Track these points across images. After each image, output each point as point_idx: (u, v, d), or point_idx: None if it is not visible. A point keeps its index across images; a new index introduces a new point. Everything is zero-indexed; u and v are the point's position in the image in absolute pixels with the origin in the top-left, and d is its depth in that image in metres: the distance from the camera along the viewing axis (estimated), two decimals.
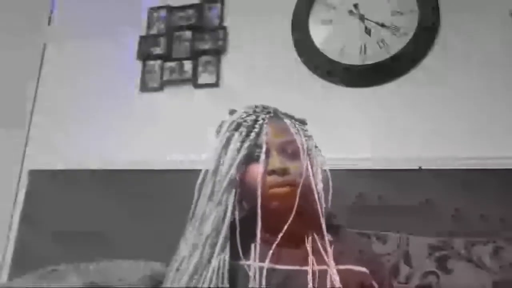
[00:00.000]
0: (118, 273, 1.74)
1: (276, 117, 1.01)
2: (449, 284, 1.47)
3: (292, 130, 0.99)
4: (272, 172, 0.93)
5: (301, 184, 0.93)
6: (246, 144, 0.94)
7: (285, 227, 0.90)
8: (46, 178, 2.06)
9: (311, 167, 0.97)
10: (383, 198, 1.60)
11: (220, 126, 1.03)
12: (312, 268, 0.90)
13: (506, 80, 1.63)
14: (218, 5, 2.06)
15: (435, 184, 1.58)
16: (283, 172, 0.93)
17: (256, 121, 0.97)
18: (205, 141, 1.87)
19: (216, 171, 0.96)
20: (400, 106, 1.72)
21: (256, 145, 0.95)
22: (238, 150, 0.94)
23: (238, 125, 0.98)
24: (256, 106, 1.02)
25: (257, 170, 0.93)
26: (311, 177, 0.95)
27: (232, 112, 1.04)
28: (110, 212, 1.88)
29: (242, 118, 0.99)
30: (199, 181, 0.98)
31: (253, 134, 0.95)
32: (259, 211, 0.90)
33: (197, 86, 2.00)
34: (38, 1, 2.31)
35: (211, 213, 0.92)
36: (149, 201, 1.85)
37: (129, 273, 1.66)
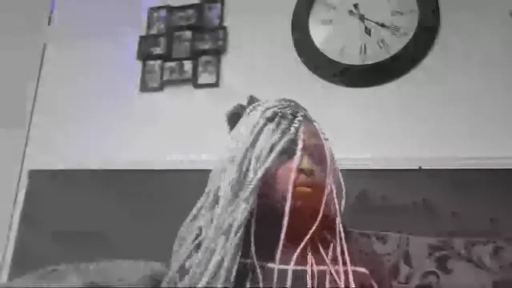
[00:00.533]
0: (118, 273, 1.74)
1: (307, 117, 1.00)
2: (449, 284, 1.47)
3: (321, 135, 0.98)
4: (301, 170, 0.92)
5: (326, 190, 0.92)
6: (285, 138, 0.92)
7: (312, 229, 0.89)
8: (46, 178, 2.06)
9: (333, 175, 0.96)
10: (383, 198, 1.60)
11: (234, 110, 1.00)
12: (312, 268, 0.89)
13: (506, 80, 1.63)
14: (218, 5, 2.06)
15: (435, 184, 1.58)
16: (310, 173, 0.92)
17: (294, 116, 0.95)
18: (205, 141, 1.88)
19: (243, 161, 0.90)
20: (400, 106, 1.72)
21: (292, 141, 0.93)
22: (276, 143, 0.91)
23: (274, 115, 0.95)
24: (289, 100, 0.99)
25: (288, 166, 0.91)
26: (332, 184, 0.95)
27: (252, 99, 1.02)
28: (110, 212, 1.88)
29: (279, 108, 0.96)
30: (218, 168, 0.94)
31: (293, 129, 0.93)
32: (287, 209, 0.88)
33: (197, 86, 2.00)
34: (38, 1, 2.31)
35: (237, 208, 0.87)
36: (149, 201, 1.85)
37: (129, 273, 1.66)
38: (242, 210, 0.87)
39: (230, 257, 0.85)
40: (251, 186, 0.88)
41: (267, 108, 0.96)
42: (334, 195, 0.95)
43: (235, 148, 0.93)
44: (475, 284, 1.44)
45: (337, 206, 0.94)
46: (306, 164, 0.92)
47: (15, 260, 2.00)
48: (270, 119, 0.94)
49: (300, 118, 0.95)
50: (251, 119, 0.96)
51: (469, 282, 1.45)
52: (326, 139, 0.99)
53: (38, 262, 1.88)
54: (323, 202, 0.92)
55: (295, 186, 0.90)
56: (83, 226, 1.89)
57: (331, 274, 0.89)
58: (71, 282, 1.64)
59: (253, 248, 0.87)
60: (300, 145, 0.92)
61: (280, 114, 0.95)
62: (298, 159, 0.91)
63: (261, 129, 0.93)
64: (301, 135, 0.93)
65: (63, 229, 1.92)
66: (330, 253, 0.92)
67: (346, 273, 0.89)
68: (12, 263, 2.00)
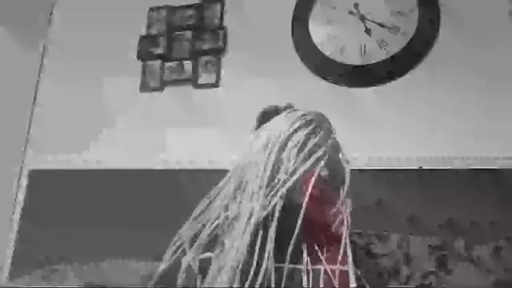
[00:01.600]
0: (118, 273, 1.74)
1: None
2: (449, 284, 1.47)
3: (341, 153, 1.07)
4: (319, 177, 0.97)
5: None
6: (323, 149, 0.98)
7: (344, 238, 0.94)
8: (46, 178, 2.06)
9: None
10: (383, 198, 1.60)
11: (268, 109, 1.05)
12: (307, 268, 0.91)
13: (506, 80, 1.63)
14: (218, 5, 2.06)
15: (435, 184, 1.58)
16: (327, 182, 0.99)
17: (330, 130, 1.02)
18: (205, 141, 1.88)
19: (280, 158, 0.95)
20: (400, 106, 1.72)
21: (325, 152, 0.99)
22: (315, 150, 0.97)
23: (311, 122, 1.01)
24: (322, 114, 1.05)
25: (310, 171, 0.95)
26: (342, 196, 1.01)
27: (290, 105, 1.07)
28: (110, 212, 1.88)
29: (317, 117, 1.02)
30: (246, 161, 0.97)
31: (329, 142, 1.01)
32: (302, 210, 0.91)
33: (197, 86, 2.00)
34: (38, 1, 2.31)
35: (274, 202, 0.91)
36: (149, 200, 1.85)
37: (129, 273, 1.67)
38: (278, 206, 0.90)
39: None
40: (288, 184, 0.92)
41: (306, 114, 1.01)
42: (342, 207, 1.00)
43: (268, 143, 0.96)
44: (475, 284, 1.44)
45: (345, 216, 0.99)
46: (325, 173, 0.98)
47: (15, 260, 2.00)
48: (307, 124, 0.99)
49: (335, 135, 1.03)
50: (288, 120, 1.00)
51: (469, 282, 1.45)
52: (347, 161, 1.05)
53: (38, 262, 1.89)
54: (327, 209, 0.97)
55: (312, 188, 0.94)
56: (83, 226, 1.89)
57: (325, 273, 0.90)
58: (71, 282, 1.64)
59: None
60: (326, 156, 0.98)
61: (316, 124, 1.01)
62: (320, 168, 0.97)
63: (296, 131, 0.98)
64: (330, 149, 1.00)
65: (63, 229, 1.92)
66: (325, 254, 0.93)
67: (341, 272, 0.91)
68: (12, 263, 2.00)
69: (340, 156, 1.04)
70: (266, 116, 1.06)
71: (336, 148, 1.03)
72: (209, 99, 1.96)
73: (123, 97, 2.08)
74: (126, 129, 2.03)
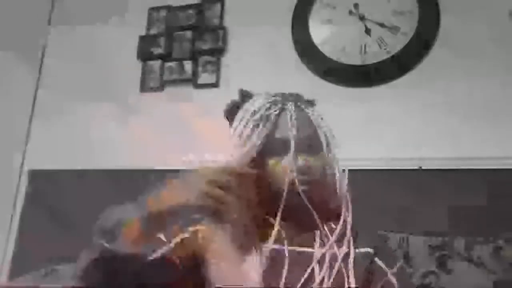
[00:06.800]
0: None
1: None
2: (449, 284, 1.47)
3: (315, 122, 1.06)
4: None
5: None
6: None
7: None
8: (46, 178, 2.06)
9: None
10: (383, 198, 1.60)
11: (231, 105, 1.07)
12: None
13: (506, 80, 1.63)
14: (218, 5, 2.06)
15: (435, 184, 1.58)
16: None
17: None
18: (205, 141, 1.87)
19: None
20: (400, 106, 1.72)
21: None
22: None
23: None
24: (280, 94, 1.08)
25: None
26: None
27: (247, 93, 1.11)
28: None
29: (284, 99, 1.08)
30: None
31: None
32: (303, 196, 0.94)
33: (197, 86, 2.00)
34: (38, 1, 2.31)
35: None
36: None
37: None
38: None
39: None
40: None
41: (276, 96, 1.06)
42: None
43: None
44: (475, 284, 1.44)
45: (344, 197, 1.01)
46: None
47: (15, 260, 2.00)
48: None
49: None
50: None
51: (469, 282, 1.45)
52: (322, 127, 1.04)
53: (38, 262, 1.88)
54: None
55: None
56: (83, 226, 1.89)
57: (334, 254, 0.91)
58: (70, 282, 1.64)
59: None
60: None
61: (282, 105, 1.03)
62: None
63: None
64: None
65: (63, 229, 1.92)
66: (333, 237, 0.93)
67: (349, 254, 0.91)
68: (12, 263, 2.00)
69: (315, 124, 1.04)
70: (232, 111, 1.08)
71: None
72: (209, 99, 1.96)
73: (123, 97, 2.08)
74: (126, 129, 2.02)
